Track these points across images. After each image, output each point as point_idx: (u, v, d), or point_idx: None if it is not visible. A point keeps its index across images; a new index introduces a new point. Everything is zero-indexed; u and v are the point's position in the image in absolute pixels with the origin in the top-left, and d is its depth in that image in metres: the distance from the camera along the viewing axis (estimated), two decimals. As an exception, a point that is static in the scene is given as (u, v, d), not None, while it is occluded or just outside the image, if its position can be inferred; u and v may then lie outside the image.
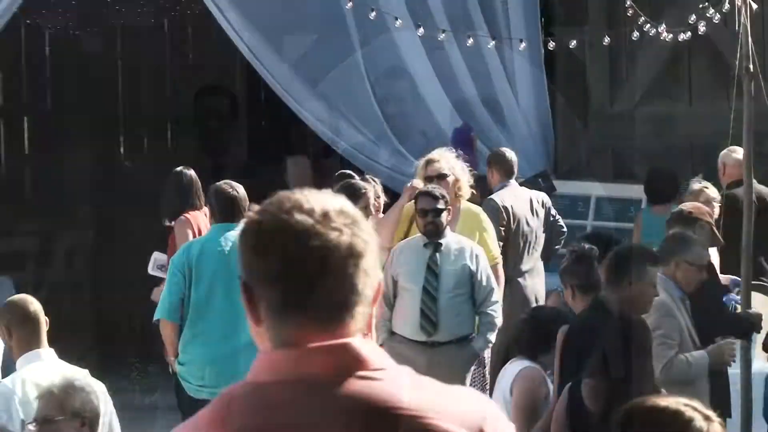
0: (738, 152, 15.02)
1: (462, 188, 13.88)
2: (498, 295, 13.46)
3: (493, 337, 12.09)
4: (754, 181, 14.53)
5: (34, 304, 9.49)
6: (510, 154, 16.36)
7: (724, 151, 15.51)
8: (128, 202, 18.02)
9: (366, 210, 14.23)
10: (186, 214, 15.16)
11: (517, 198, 15.81)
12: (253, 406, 3.36)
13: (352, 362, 3.38)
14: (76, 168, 21.40)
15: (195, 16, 20.22)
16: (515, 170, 16.15)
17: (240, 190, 13.61)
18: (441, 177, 13.74)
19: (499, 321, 13.00)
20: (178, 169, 16.41)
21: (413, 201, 13.86)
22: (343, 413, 3.31)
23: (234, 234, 13.03)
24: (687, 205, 13.43)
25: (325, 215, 3.37)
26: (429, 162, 13.96)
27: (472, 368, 12.63)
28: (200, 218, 15.30)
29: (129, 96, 23.59)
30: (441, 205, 12.97)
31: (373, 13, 16.41)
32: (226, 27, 17.33)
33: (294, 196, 3.38)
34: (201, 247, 13.76)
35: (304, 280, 3.29)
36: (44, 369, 9.58)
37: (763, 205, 15.14)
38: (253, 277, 3.35)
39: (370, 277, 3.41)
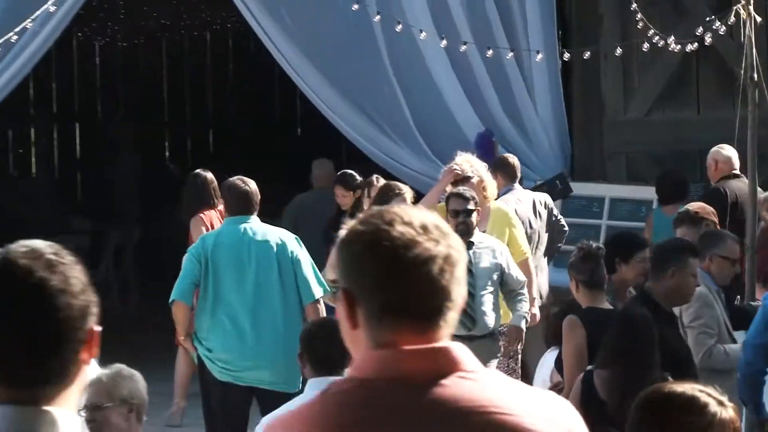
0: (727, 149, 15.26)
1: (487, 188, 13.71)
2: (526, 287, 13.41)
3: (524, 326, 12.17)
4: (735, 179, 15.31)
5: None
6: (513, 159, 16.34)
7: (715, 148, 15.51)
8: (172, 202, 17.64)
9: (359, 201, 15.16)
10: (201, 213, 15.24)
11: (521, 201, 15.75)
12: (357, 399, 3.41)
13: (449, 364, 3.44)
14: (123, 170, 21.16)
15: (235, 30, 20.14)
16: (518, 174, 16.08)
17: (252, 185, 13.50)
18: (466, 179, 13.55)
19: (528, 312, 13.07)
20: (196, 171, 16.45)
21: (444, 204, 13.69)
22: (441, 410, 3.40)
23: (247, 226, 13.27)
24: (693, 206, 13.32)
25: (424, 227, 3.45)
26: (458, 172, 13.71)
27: (498, 360, 12.44)
28: (214, 216, 15.42)
29: (173, 103, 23.73)
30: (471, 206, 12.84)
31: (399, 26, 16.36)
32: (265, 40, 17.24)
33: (394, 209, 3.45)
34: (215, 239, 13.65)
35: (404, 286, 3.36)
36: None
37: (742, 200, 15.20)
38: (354, 283, 3.40)
39: (461, 286, 3.47)
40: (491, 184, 13.89)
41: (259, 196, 13.55)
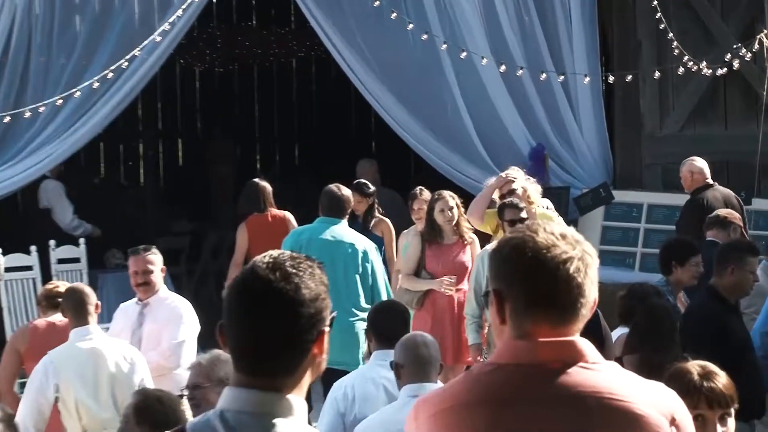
0: (699, 161, 15.06)
1: (531, 196, 13.49)
2: None
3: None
4: (719, 186, 14.90)
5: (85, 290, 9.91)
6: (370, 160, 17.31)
7: (688, 161, 15.29)
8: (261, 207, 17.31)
9: (371, 207, 14.86)
10: (249, 217, 15.26)
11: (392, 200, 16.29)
12: (496, 381, 3.76)
13: (576, 355, 3.79)
14: (220, 179, 21.77)
15: (318, 57, 20.47)
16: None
17: (345, 191, 13.66)
18: (512, 192, 13.27)
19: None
20: (253, 180, 16.44)
21: (497, 211, 13.29)
22: (564, 394, 3.74)
23: (337, 228, 13.32)
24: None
25: (563, 235, 3.82)
26: (510, 183, 13.52)
27: None
28: (262, 220, 15.46)
29: (263, 121, 24.03)
30: (524, 214, 12.57)
31: (464, 54, 16.23)
32: (344, 66, 17.00)
33: (536, 223, 4.00)
34: (310, 235, 13.67)
35: (546, 284, 3.70)
36: (93, 342, 9.91)
37: (731, 205, 14.84)
38: (504, 282, 3.75)
39: (594, 286, 3.82)
40: (535, 193, 13.65)
41: (351, 203, 13.79)
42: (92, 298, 10.79)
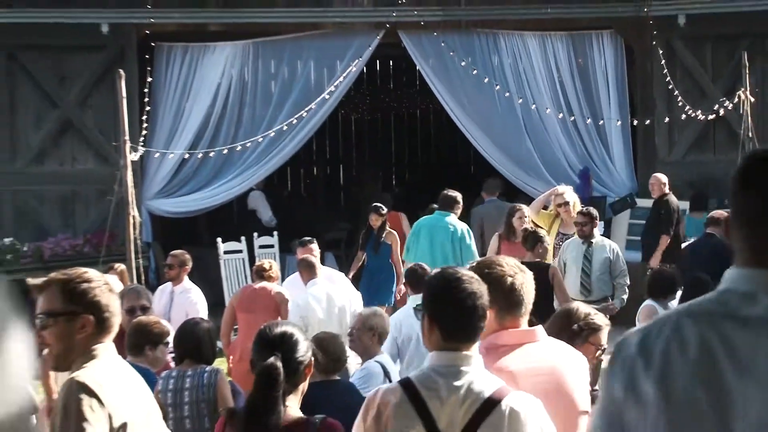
0: (661, 175, 14.97)
1: (576, 206, 13.62)
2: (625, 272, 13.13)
3: (625, 297, 12.02)
4: (673, 196, 14.93)
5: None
6: (496, 179, 16.75)
7: (655, 174, 15.31)
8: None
9: (384, 223, 14.68)
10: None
11: (497, 208, 15.58)
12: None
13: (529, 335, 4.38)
14: (368, 193, 20.71)
15: (434, 109, 20.00)
16: (498, 191, 16.28)
17: (453, 193, 13.77)
18: (565, 204, 13.53)
19: (627, 289, 12.78)
20: (384, 194, 17.73)
21: (556, 208, 13.85)
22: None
23: (447, 218, 13.63)
24: (716, 213, 12.97)
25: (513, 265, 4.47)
26: (557, 194, 13.78)
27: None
28: (392, 217, 15.59)
29: (398, 153, 23.81)
30: (588, 219, 12.70)
31: (534, 106, 16.57)
32: (452, 115, 17.10)
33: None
34: (430, 221, 13.89)
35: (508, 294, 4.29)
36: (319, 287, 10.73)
37: (681, 215, 15.05)
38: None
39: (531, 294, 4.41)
40: (578, 203, 13.75)
41: (459, 204, 13.82)
42: (318, 264, 11.62)
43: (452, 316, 4.28)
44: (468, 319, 4.27)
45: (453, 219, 13.56)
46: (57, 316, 4.30)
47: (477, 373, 4.32)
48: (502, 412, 4.18)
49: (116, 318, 4.46)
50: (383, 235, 14.35)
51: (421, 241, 13.46)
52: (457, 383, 4.25)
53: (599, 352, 5.69)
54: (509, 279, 4.78)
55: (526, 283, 4.88)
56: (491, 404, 4.18)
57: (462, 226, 13.62)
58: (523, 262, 5.22)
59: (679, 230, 14.96)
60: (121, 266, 11.57)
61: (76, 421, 4.06)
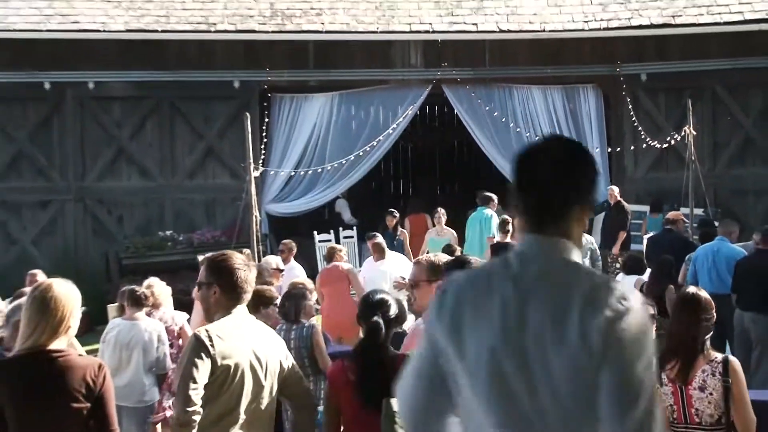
0: (616, 188, 15.12)
1: None
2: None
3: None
4: (625, 202, 14.91)
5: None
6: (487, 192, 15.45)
7: (610, 186, 15.41)
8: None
9: (396, 225, 14.17)
10: (412, 216, 15.50)
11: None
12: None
13: None
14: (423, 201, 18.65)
15: (468, 141, 18.73)
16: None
17: (488, 194, 13.93)
18: None
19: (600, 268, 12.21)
20: (414, 197, 17.55)
21: None
22: None
23: (483, 210, 13.67)
24: (672, 214, 13.07)
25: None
26: None
27: None
28: (419, 218, 15.35)
29: (443, 170, 22.71)
30: None
31: (537, 138, 13.27)
32: (481, 145, 16.96)
33: None
34: (474, 214, 13.94)
35: None
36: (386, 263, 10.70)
37: (622, 210, 14.71)
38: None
39: None
40: None
41: (493, 200, 13.96)
42: (386, 249, 11.52)
43: None
44: None
45: (488, 211, 13.70)
46: (200, 285, 4.34)
47: None
48: None
49: (247, 286, 4.28)
50: (397, 233, 14.06)
51: (469, 227, 13.75)
52: None
53: None
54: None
55: None
56: None
57: (491, 213, 13.62)
58: None
59: (629, 226, 14.84)
60: (246, 251, 9.12)
61: (186, 361, 4.03)
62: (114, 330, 7.79)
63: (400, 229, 14.18)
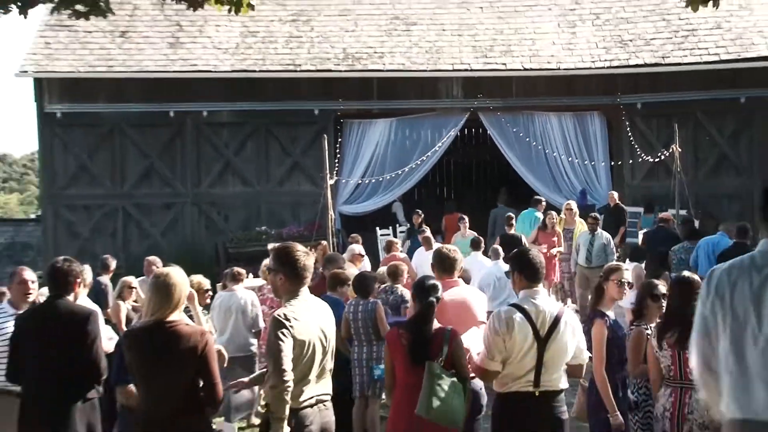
0: (614, 192, 14.58)
1: (576, 213, 12.99)
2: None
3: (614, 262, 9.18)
4: (622, 204, 14.37)
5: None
6: (505, 192, 16.05)
7: (610, 192, 14.84)
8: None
9: (421, 223, 13.43)
10: (448, 216, 15.01)
11: (502, 209, 14.40)
12: None
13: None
14: (467, 203, 18.66)
15: (500, 160, 17.86)
16: (505, 199, 15.67)
17: (539, 197, 13.56)
18: (570, 209, 13.02)
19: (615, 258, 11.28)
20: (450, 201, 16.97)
21: (565, 212, 12.98)
22: None
23: (534, 211, 13.02)
24: (663, 214, 12.74)
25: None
26: (568, 206, 13.16)
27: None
28: (452, 218, 14.63)
29: (478, 180, 21.63)
30: (595, 220, 12.01)
31: (554, 154, 16.34)
32: (511, 162, 16.66)
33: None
34: (524, 213, 13.12)
35: None
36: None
37: (621, 210, 14.14)
38: None
39: None
40: (576, 212, 12.90)
41: (541, 202, 13.31)
42: (434, 241, 11.14)
43: (530, 270, 4.21)
44: (537, 272, 4.23)
45: (538, 214, 13.13)
46: (269, 270, 4.26)
47: (544, 299, 4.24)
48: (564, 322, 4.18)
49: (307, 272, 4.02)
50: (422, 227, 13.46)
51: (519, 222, 13.11)
52: (539, 305, 4.16)
53: (621, 283, 5.11)
54: (458, 255, 5.19)
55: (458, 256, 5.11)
56: (558, 317, 4.17)
57: (539, 215, 13.04)
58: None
59: (627, 223, 14.34)
60: (324, 242, 11.28)
61: (274, 339, 3.88)
62: (218, 300, 7.98)
63: (424, 226, 13.64)
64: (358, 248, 9.89)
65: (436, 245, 10.89)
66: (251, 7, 6.99)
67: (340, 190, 16.05)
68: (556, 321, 4.12)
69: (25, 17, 6.67)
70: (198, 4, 6.22)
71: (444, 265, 5.02)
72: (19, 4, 5.32)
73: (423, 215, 14.09)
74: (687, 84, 15.87)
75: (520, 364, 4.03)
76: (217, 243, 15.65)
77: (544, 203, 13.54)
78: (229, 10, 6.65)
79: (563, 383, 4.16)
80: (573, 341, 4.18)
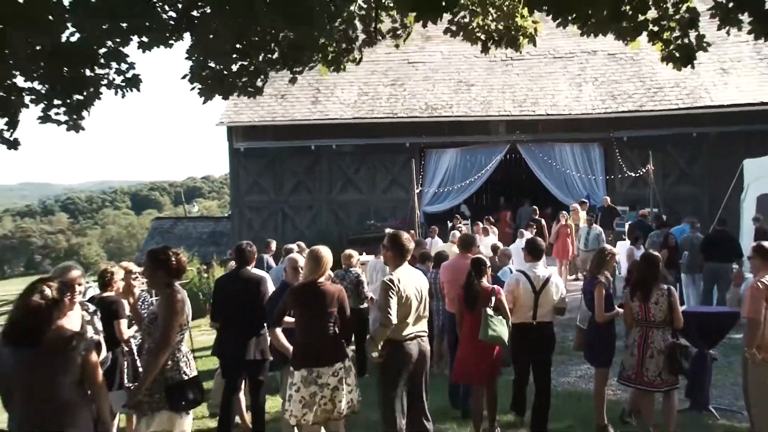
0: (606, 197, 15.82)
1: (581, 214, 13.84)
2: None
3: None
4: (613, 205, 15.51)
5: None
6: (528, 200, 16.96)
7: (604, 197, 16.35)
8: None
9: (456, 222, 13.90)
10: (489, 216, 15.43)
11: (527, 209, 15.39)
12: None
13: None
14: (506, 208, 20.08)
15: (530, 176, 19.17)
16: (527, 201, 16.78)
17: (584, 200, 14.24)
18: (576, 210, 14.07)
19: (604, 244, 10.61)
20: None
21: (572, 213, 14.06)
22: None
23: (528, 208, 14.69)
24: (642, 211, 13.66)
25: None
26: (575, 208, 14.45)
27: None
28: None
29: (512, 192, 22.17)
30: (591, 218, 12.98)
31: (568, 171, 18.48)
32: (539, 178, 18.61)
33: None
34: (522, 210, 15.73)
35: None
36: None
37: (613, 210, 15.25)
38: None
39: None
40: (582, 214, 13.62)
41: (586, 203, 13.85)
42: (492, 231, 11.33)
43: (534, 252, 4.86)
44: (537, 253, 4.99)
45: (532, 208, 15.23)
46: (383, 247, 4.58)
47: (540, 269, 5.09)
48: (551, 282, 4.95)
49: (407, 252, 4.49)
50: (457, 225, 14.15)
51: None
52: (536, 272, 5.02)
53: (614, 265, 5.41)
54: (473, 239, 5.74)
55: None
56: (548, 279, 4.92)
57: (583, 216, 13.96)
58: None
59: (616, 219, 15.63)
60: (412, 231, 12.19)
61: (384, 294, 4.34)
62: (371, 263, 9.22)
63: (460, 224, 14.44)
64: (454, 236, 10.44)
65: (494, 237, 12.52)
66: (345, 66, 7.37)
67: (423, 196, 18.44)
68: (546, 281, 4.98)
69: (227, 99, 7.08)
70: (310, 67, 6.91)
71: (534, 252, 5.35)
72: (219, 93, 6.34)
73: (459, 217, 15.91)
74: (657, 124, 18.17)
75: (525, 306, 4.93)
76: (341, 233, 18.49)
77: (587, 202, 15.16)
78: (334, 70, 7.35)
79: (550, 317, 5.08)
80: (557, 293, 5.04)
